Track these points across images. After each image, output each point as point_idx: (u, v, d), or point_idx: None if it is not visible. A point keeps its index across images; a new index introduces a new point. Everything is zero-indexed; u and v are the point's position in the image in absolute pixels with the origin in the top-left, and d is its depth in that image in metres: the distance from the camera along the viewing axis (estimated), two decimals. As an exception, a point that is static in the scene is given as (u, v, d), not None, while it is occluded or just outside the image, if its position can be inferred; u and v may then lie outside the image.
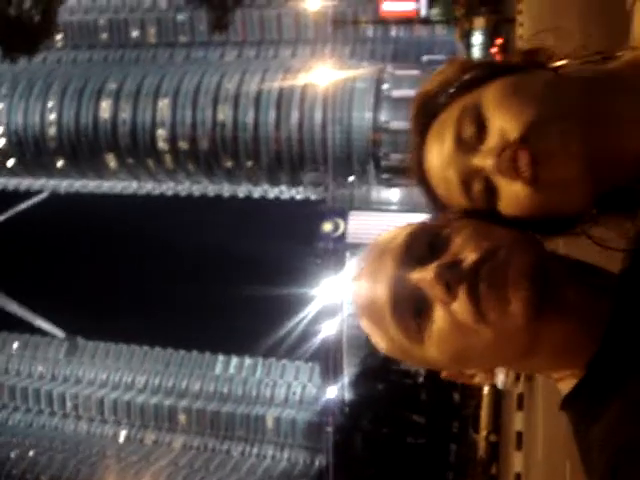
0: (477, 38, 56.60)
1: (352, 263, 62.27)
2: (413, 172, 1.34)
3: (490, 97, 1.20)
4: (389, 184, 63.33)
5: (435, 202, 1.32)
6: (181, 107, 61.75)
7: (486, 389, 33.61)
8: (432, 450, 41.86)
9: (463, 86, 1.26)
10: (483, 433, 32.99)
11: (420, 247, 1.19)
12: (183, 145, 62.27)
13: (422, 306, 1.16)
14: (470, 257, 1.14)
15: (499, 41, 43.39)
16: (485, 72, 1.27)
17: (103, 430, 70.15)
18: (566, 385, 1.22)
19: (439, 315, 1.14)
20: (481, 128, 1.19)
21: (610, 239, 1.33)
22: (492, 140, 1.18)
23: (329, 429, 53.37)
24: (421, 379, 46.93)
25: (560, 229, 1.29)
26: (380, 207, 64.69)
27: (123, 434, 69.61)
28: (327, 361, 61.29)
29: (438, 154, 1.24)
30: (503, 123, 1.16)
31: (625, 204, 1.27)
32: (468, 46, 58.18)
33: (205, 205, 69.86)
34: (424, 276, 1.14)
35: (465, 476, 37.29)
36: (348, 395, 54.48)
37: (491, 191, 1.20)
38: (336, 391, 60.47)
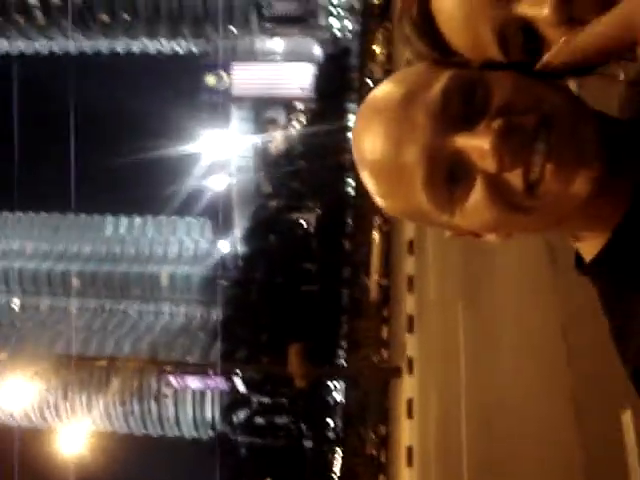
0: None
1: (238, 116, 61.59)
2: (408, 12, 1.13)
3: None
4: (272, 34, 62.05)
5: (443, 50, 1.12)
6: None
7: (377, 236, 34.59)
8: (326, 296, 43.15)
9: None
10: (374, 277, 34.16)
11: (457, 104, 1.00)
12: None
13: (460, 173, 1.00)
14: (526, 123, 0.97)
15: None
16: None
17: (-5, 299, 69.14)
18: (588, 249, 1.12)
19: (482, 186, 0.99)
20: None
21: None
22: None
23: (224, 282, 54.15)
24: (311, 228, 47.85)
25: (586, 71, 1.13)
26: (264, 58, 63.53)
27: (17, 302, 68.75)
28: (218, 216, 61.45)
29: (463, 5, 1.04)
30: None
31: None
32: None
33: (83, 63, 66.97)
34: (476, 145, 0.98)
35: (359, 318, 38.74)
36: (241, 248, 55.12)
37: (535, 41, 1.04)
38: (229, 245, 61.05)
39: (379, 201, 1.10)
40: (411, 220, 1.14)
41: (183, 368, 41.56)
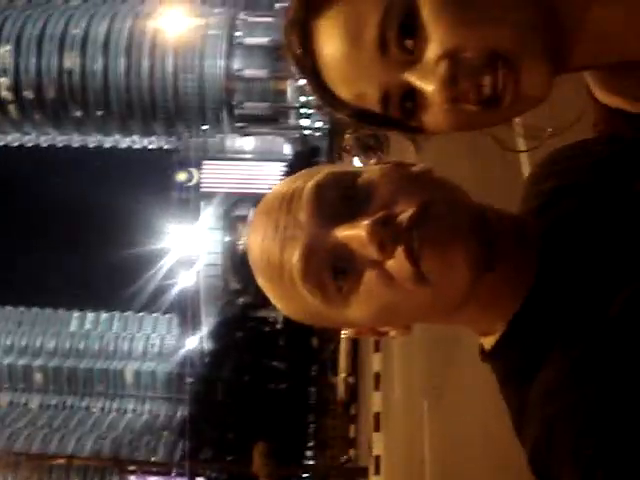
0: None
1: (207, 213, 62.01)
2: (294, 57, 1.07)
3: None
4: (243, 133, 63.13)
5: (328, 98, 1.09)
6: (25, 54, 59.09)
7: (344, 334, 34.50)
8: (293, 394, 42.64)
9: None
10: (342, 375, 33.87)
11: (334, 200, 1.01)
12: (28, 94, 59.77)
13: (346, 266, 1.00)
14: (405, 212, 0.97)
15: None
16: None
17: (-46, 393, 67.56)
18: (489, 339, 1.10)
19: (370, 275, 0.99)
20: (416, 33, 0.96)
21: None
22: (433, 52, 0.96)
23: (190, 380, 53.43)
24: (279, 326, 47.54)
25: None
26: (234, 156, 64.46)
27: (-24, 397, 67.27)
28: (185, 312, 61.10)
29: (351, 60, 1.00)
30: (455, 35, 0.95)
31: None
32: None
33: (54, 156, 67.51)
34: (355, 234, 0.97)
35: (326, 417, 38.27)
36: (207, 345, 54.58)
37: (414, 100, 1.02)
38: (195, 342, 60.47)
39: (277, 306, 1.09)
40: (313, 323, 1.11)
41: (146, 468, 40.50)
